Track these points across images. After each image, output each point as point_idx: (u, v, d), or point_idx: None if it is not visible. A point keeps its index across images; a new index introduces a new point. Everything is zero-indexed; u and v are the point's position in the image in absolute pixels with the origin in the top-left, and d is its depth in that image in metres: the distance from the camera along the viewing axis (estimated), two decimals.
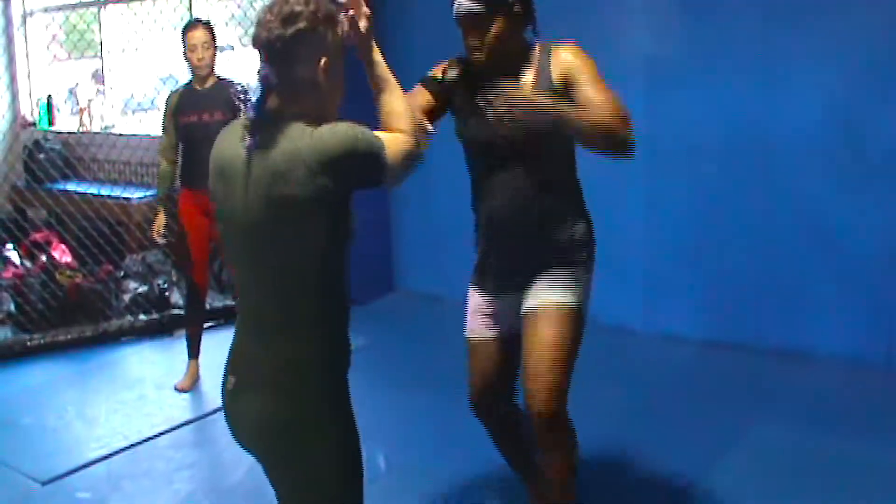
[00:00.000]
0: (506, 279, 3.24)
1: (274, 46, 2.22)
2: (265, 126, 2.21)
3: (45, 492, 4.24)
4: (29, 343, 5.79)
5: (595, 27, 5.77)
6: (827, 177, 5.21)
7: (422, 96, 3.13)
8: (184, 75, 6.29)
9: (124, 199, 7.81)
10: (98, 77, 9.42)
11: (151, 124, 8.58)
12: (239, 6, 7.64)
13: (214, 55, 5.10)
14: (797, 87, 5.22)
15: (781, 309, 5.42)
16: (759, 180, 5.41)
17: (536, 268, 3.16)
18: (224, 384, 2.39)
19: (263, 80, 2.26)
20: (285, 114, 2.22)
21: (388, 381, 5.20)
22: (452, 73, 3.17)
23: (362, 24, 2.32)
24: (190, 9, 8.06)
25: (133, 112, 9.30)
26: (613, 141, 2.93)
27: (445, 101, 3.17)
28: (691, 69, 5.53)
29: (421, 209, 6.50)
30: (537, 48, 3.10)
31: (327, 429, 2.29)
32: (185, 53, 5.08)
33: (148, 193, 7.84)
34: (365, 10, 2.34)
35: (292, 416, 2.27)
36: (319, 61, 2.22)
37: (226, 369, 2.39)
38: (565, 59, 3.03)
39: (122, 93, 9.31)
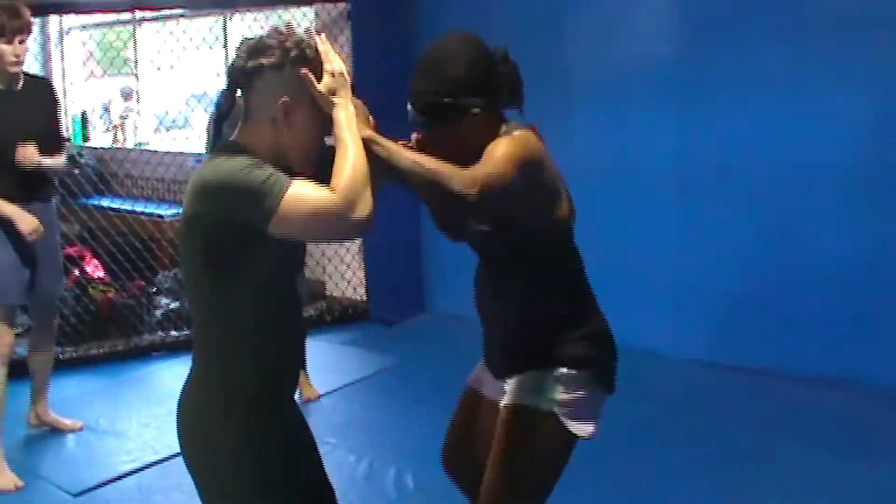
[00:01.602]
0: (489, 359, 2.90)
1: (234, 75, 2.26)
2: (212, 152, 2.26)
3: (76, 503, 4.28)
4: (61, 356, 5.82)
5: (624, 47, 5.82)
6: (858, 202, 5.20)
7: None
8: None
9: (157, 215, 7.89)
10: (126, 94, 9.53)
11: (184, 142, 8.68)
12: (273, 26, 7.70)
13: None
14: (828, 109, 5.20)
15: (811, 335, 5.38)
16: (791, 204, 5.40)
17: (509, 366, 2.78)
18: None
19: (216, 106, 2.33)
20: (237, 143, 2.25)
21: (417, 401, 5.25)
22: None
23: (324, 80, 2.24)
24: (225, 28, 8.15)
25: (167, 129, 9.41)
26: (441, 192, 2.36)
27: None
28: (721, 90, 5.53)
29: None
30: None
31: (215, 453, 2.28)
32: None
33: (180, 211, 7.89)
34: (332, 67, 2.26)
35: (186, 434, 2.34)
36: (279, 100, 2.20)
37: None
38: (488, 148, 2.53)
39: (155, 110, 9.41)
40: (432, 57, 2.65)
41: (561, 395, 2.67)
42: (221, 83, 2.32)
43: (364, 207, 2.13)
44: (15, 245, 4.48)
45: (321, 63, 2.25)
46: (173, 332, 6.48)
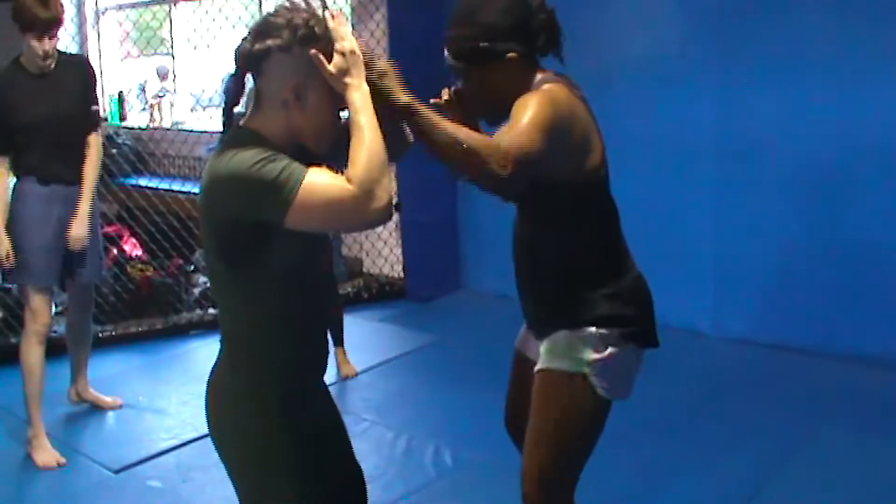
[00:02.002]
0: (528, 321, 2.89)
1: (242, 59, 2.18)
2: (224, 137, 2.20)
3: (117, 480, 4.31)
4: (101, 335, 5.87)
5: (664, 25, 5.76)
6: None
7: None
8: None
9: (194, 194, 7.90)
10: (162, 73, 9.56)
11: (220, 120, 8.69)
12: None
13: None
14: (872, 87, 5.14)
15: (853, 314, 5.34)
16: (833, 183, 5.35)
17: (542, 325, 2.77)
18: None
19: (224, 91, 2.24)
20: (248, 130, 2.18)
21: (454, 378, 5.26)
22: None
23: (335, 60, 2.13)
24: (260, 6, 8.15)
25: (203, 108, 9.43)
26: (475, 170, 2.31)
27: None
28: (762, 68, 5.47)
29: (489, 207, 6.48)
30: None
31: (242, 445, 2.27)
32: None
33: None
34: (343, 45, 2.14)
35: (218, 423, 2.32)
36: (289, 82, 2.13)
37: None
38: (515, 109, 2.47)
39: (191, 89, 9.44)
40: (468, 2, 2.58)
41: (591, 355, 2.63)
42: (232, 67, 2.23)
43: (382, 197, 2.06)
44: (51, 228, 4.51)
45: (332, 41, 2.15)
46: (211, 311, 6.48)
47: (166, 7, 9.23)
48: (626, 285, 2.72)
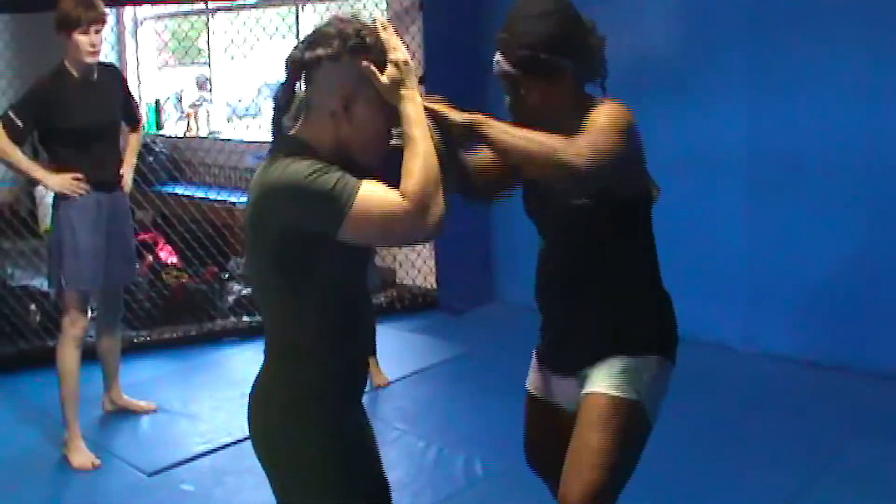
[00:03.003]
0: (555, 355, 2.85)
1: (292, 67, 2.18)
2: (274, 146, 2.21)
3: (151, 483, 4.36)
4: (136, 340, 5.93)
5: (696, 36, 5.77)
6: None
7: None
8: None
9: (230, 202, 7.99)
10: (200, 82, 9.65)
11: (257, 130, 8.79)
12: (334, 15, 7.75)
13: None
14: None
15: (885, 330, 5.30)
16: (866, 197, 5.32)
17: (590, 354, 2.71)
18: None
19: (275, 100, 2.24)
20: (298, 139, 2.19)
21: (485, 389, 5.27)
22: None
23: (388, 70, 2.14)
24: (297, 18, 8.23)
25: (240, 118, 9.52)
26: (553, 168, 2.37)
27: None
28: (794, 80, 5.46)
29: (520, 219, 6.51)
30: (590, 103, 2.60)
31: (288, 457, 2.28)
32: None
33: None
34: (397, 56, 2.15)
35: (263, 432, 2.32)
36: (338, 93, 2.14)
37: None
38: (593, 111, 2.52)
39: (228, 99, 9.53)
40: (529, 10, 2.55)
41: (648, 381, 2.66)
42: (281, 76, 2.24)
43: (436, 212, 2.08)
44: (99, 233, 4.60)
45: (384, 52, 2.15)
46: (245, 318, 6.55)
47: (204, 17, 9.32)
48: (668, 307, 2.77)
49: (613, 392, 2.63)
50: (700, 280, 5.48)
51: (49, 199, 8.89)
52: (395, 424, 4.85)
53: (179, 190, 8.48)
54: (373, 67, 2.13)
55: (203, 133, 9.36)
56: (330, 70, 2.14)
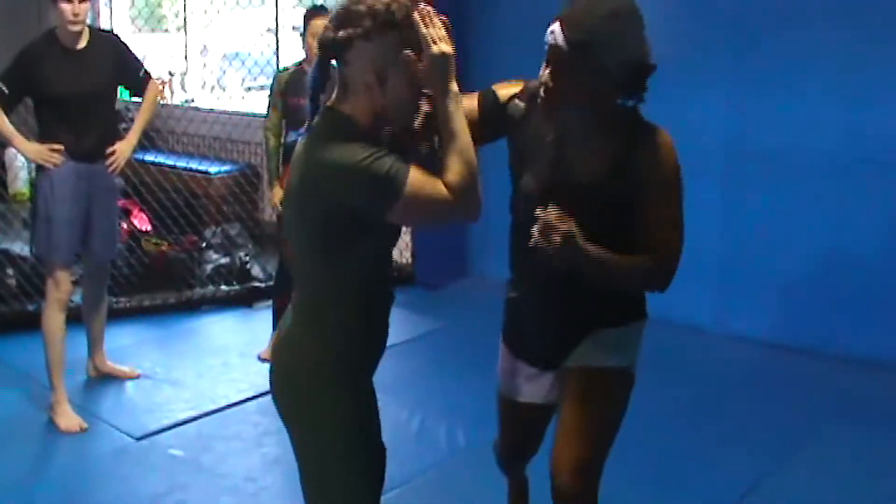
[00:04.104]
0: (541, 353, 2.89)
1: (326, 46, 2.25)
2: (317, 122, 2.29)
3: (139, 447, 4.43)
4: (115, 305, 5.95)
5: (677, 36, 5.84)
6: None
7: (469, 108, 2.58)
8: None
9: (203, 172, 8.02)
10: (204, 53, 9.62)
11: (224, 99, 8.82)
12: None
13: None
14: (881, 98, 5.27)
15: (854, 315, 5.46)
16: (837, 187, 5.47)
17: (580, 327, 2.77)
18: None
19: (312, 79, 2.30)
20: (337, 111, 2.27)
21: (463, 361, 5.35)
22: (519, 105, 2.74)
23: (429, 60, 2.19)
24: None
25: (212, 89, 9.51)
26: (650, 289, 2.70)
27: (495, 129, 2.75)
28: (772, 74, 5.58)
29: (496, 195, 6.59)
30: (628, 118, 2.64)
31: (313, 419, 2.39)
32: (304, 37, 5.22)
33: (224, 168, 8.08)
34: (433, 50, 2.18)
35: (287, 389, 2.43)
36: (372, 68, 2.21)
37: None
38: (660, 155, 2.59)
39: (203, 68, 9.52)
40: (614, 6, 2.51)
41: (633, 345, 2.79)
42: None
43: (475, 202, 2.24)
44: (80, 204, 4.63)
45: (412, 26, 2.19)
46: (223, 287, 6.62)
47: None
48: None
49: (608, 364, 2.73)
50: None
51: (19, 162, 8.93)
52: (378, 395, 4.92)
53: (151, 157, 8.45)
54: (411, 56, 2.20)
55: (177, 101, 9.33)
56: (362, 48, 2.20)
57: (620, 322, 2.77)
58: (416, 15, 2.21)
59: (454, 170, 2.21)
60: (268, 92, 5.49)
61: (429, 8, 2.23)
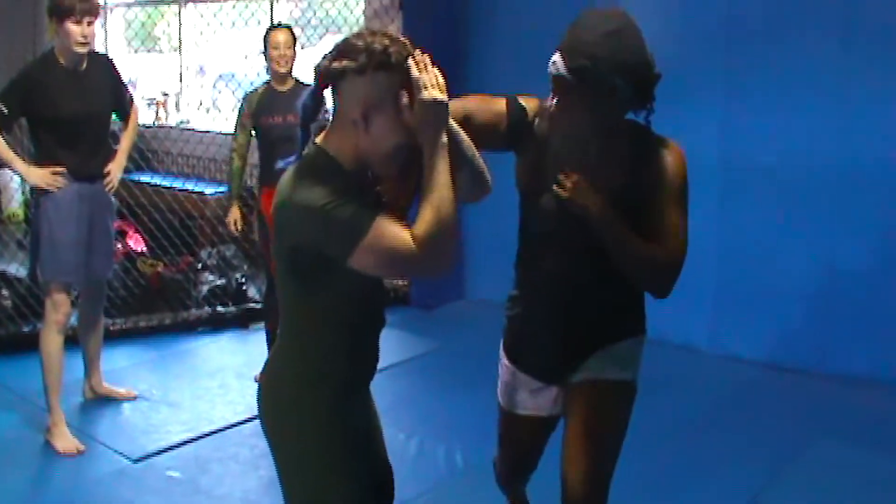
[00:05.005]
0: (547, 366, 2.93)
1: (320, 76, 2.25)
2: (304, 155, 2.30)
3: (137, 469, 4.42)
4: (111, 327, 5.95)
5: (669, 47, 5.86)
6: None
7: (496, 112, 2.75)
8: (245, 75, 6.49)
9: (198, 193, 8.02)
10: (201, 73, 9.66)
11: (219, 120, 8.84)
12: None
13: (294, 58, 5.30)
14: (876, 115, 5.29)
15: (849, 333, 5.48)
16: (832, 206, 5.49)
17: (588, 348, 2.84)
18: None
19: (302, 107, 2.32)
20: (322, 150, 2.27)
21: (459, 382, 5.36)
22: (542, 125, 2.75)
23: (416, 109, 2.20)
24: (271, 10, 8.27)
25: (207, 110, 9.53)
26: (653, 286, 2.69)
27: (516, 141, 2.78)
28: (767, 91, 5.61)
29: (492, 217, 6.60)
30: (635, 130, 2.73)
31: (295, 438, 2.40)
32: (266, 54, 5.27)
33: (220, 189, 8.08)
34: (425, 96, 2.19)
35: (271, 411, 2.44)
36: (359, 105, 2.20)
37: None
38: (668, 163, 2.68)
39: (198, 89, 9.54)
40: (598, 25, 2.54)
41: (637, 358, 2.88)
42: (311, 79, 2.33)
43: (444, 258, 2.20)
44: (82, 224, 4.64)
45: (408, 70, 2.20)
46: (219, 308, 6.62)
47: (172, 7, 9.33)
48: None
49: (617, 377, 2.81)
50: None
51: (13, 184, 8.93)
52: None
53: (146, 179, 8.45)
54: (406, 100, 2.20)
55: (172, 122, 9.35)
56: (354, 82, 2.20)
57: (625, 336, 2.84)
58: (412, 60, 2.22)
59: (426, 221, 2.17)
60: (236, 113, 5.48)
61: (426, 56, 2.23)
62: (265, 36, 5.32)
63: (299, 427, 2.38)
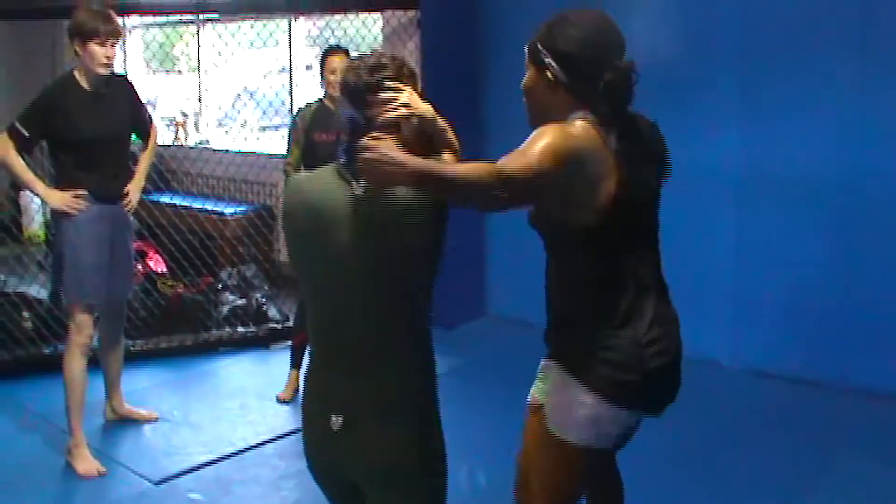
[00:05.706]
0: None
1: (360, 90, 2.40)
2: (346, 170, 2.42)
3: (158, 491, 4.41)
4: (132, 348, 5.95)
5: (688, 57, 5.86)
6: None
7: None
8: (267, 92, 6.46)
9: (218, 213, 8.03)
10: (218, 93, 9.69)
11: (239, 140, 8.86)
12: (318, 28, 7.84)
13: None
14: (893, 123, 5.26)
15: (871, 347, 5.43)
16: (853, 220, 5.45)
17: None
18: (313, 426, 2.55)
19: (350, 122, 2.42)
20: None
21: (482, 402, 5.33)
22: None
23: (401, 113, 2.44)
24: (290, 29, 8.28)
25: (227, 130, 9.55)
26: (475, 196, 2.42)
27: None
28: (785, 101, 5.58)
29: (514, 234, 6.59)
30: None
31: (439, 457, 2.67)
32: (322, 75, 5.26)
33: (239, 209, 8.10)
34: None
35: (414, 443, 2.57)
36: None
37: (318, 409, 2.53)
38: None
39: (217, 108, 9.57)
40: (567, 18, 2.67)
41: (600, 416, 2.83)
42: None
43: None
44: (103, 246, 4.64)
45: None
46: (240, 329, 6.61)
47: (191, 27, 9.36)
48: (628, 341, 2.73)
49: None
50: (689, 296, 5.53)
51: (34, 205, 8.97)
52: None
53: (166, 199, 8.48)
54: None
55: (192, 142, 9.38)
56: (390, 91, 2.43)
57: (578, 372, 2.78)
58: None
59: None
60: (288, 129, 5.46)
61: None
62: (322, 58, 5.32)
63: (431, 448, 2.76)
